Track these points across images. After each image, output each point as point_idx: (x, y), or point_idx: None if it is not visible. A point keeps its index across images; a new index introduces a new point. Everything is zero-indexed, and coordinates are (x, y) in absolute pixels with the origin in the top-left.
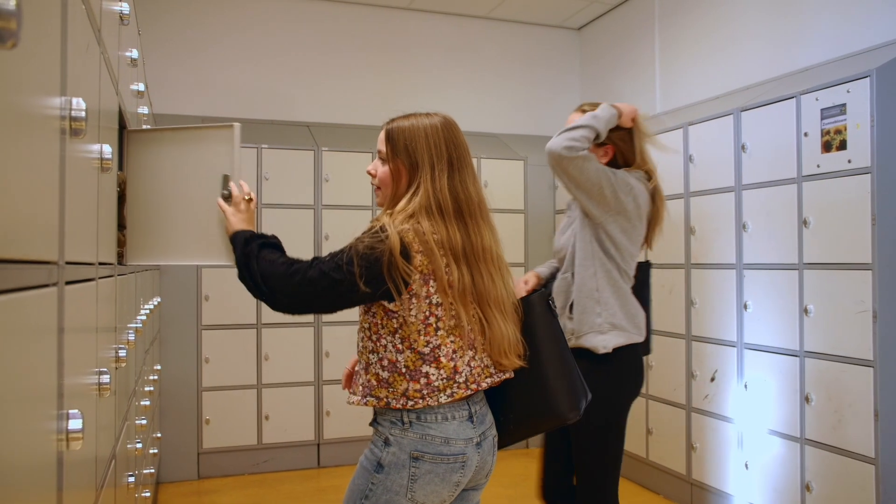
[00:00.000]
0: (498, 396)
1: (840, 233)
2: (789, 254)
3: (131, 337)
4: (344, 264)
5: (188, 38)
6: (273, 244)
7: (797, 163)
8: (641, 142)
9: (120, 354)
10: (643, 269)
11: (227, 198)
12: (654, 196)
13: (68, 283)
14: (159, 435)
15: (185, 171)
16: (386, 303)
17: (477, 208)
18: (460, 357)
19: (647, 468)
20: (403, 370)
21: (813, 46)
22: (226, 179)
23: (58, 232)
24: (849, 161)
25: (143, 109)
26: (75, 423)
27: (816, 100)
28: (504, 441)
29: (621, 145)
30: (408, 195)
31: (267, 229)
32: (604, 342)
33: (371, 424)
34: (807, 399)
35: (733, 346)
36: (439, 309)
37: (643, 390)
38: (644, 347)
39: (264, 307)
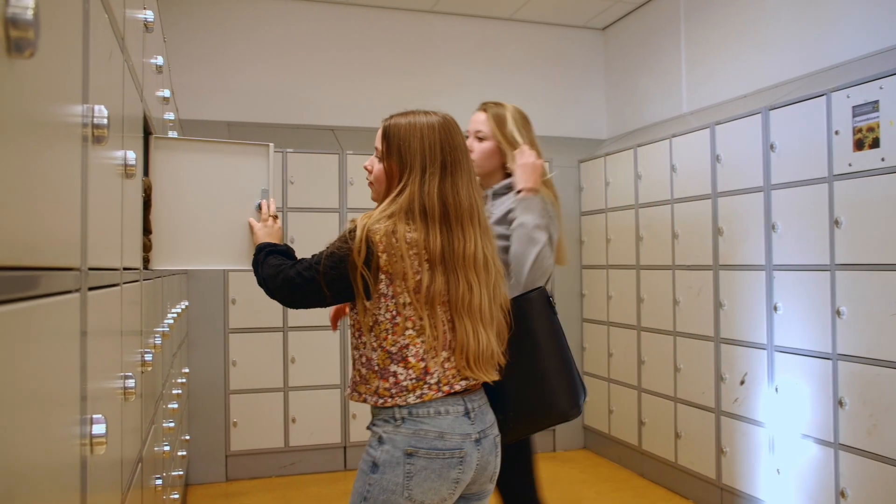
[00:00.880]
0: (497, 393)
1: (873, 233)
2: (821, 255)
3: (158, 341)
4: (313, 264)
5: (214, 44)
6: (281, 251)
7: (828, 162)
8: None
9: (146, 358)
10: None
11: (258, 208)
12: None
13: (91, 288)
14: (188, 437)
15: (212, 180)
16: (366, 300)
17: (467, 214)
18: (432, 358)
19: (676, 472)
20: (376, 368)
21: (843, 42)
22: (264, 193)
23: (80, 238)
24: (882, 159)
25: (170, 115)
26: (99, 428)
27: (848, 97)
28: (505, 439)
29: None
30: (392, 195)
31: (293, 233)
32: None
33: (368, 427)
34: (840, 403)
35: (763, 349)
36: (407, 308)
37: (671, 393)
38: None
39: (290, 311)
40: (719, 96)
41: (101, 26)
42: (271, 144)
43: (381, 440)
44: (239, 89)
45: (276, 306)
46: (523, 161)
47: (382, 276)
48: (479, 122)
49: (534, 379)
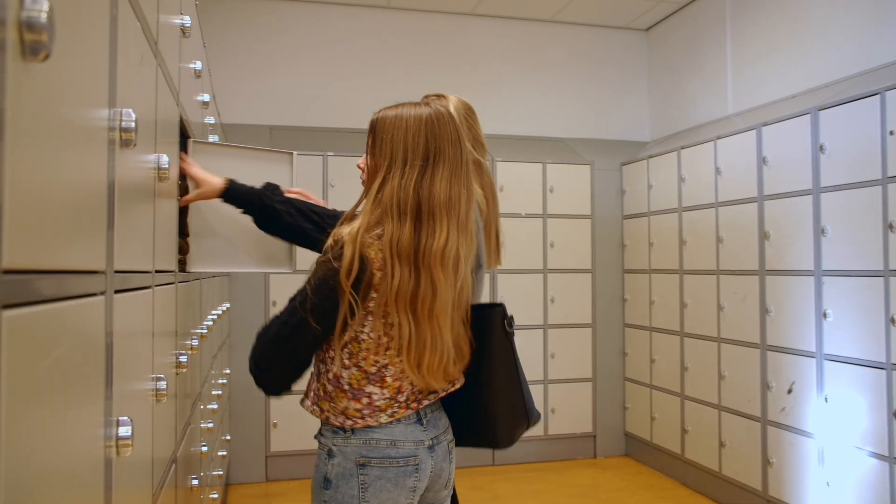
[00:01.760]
0: (447, 403)
1: None
2: (873, 260)
3: (195, 343)
4: (296, 306)
5: (256, 49)
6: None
7: (881, 163)
8: None
9: (181, 360)
10: None
11: None
12: None
13: (119, 291)
14: (228, 437)
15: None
16: (350, 318)
17: (442, 208)
18: (406, 378)
19: (720, 482)
20: (346, 387)
21: None
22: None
23: (105, 241)
24: None
25: (210, 119)
26: (125, 430)
27: None
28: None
29: None
30: (373, 192)
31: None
32: None
33: (315, 437)
34: (895, 415)
35: (812, 357)
36: (391, 328)
37: (715, 401)
38: None
39: None
40: (766, 97)
41: (130, 31)
42: (294, 153)
43: (330, 453)
44: (281, 93)
45: None
46: None
47: (374, 294)
48: None
49: (477, 401)
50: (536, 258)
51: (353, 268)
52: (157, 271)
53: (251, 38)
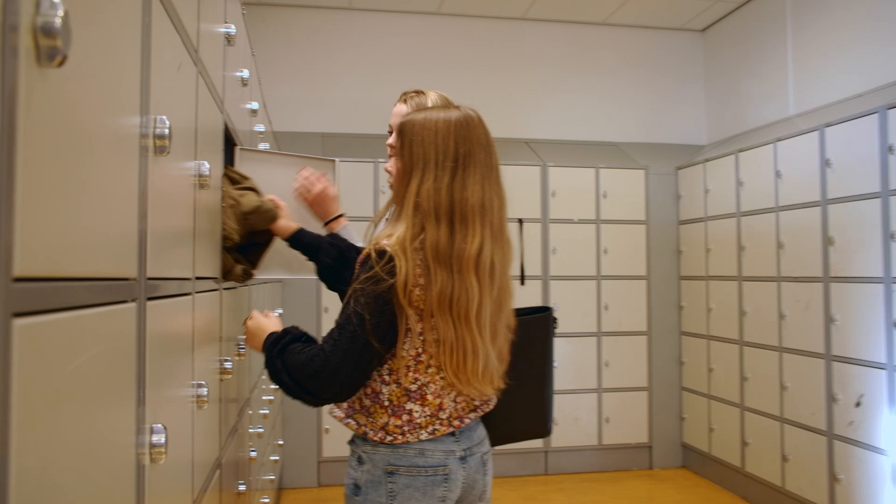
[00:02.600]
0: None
1: None
2: None
3: (242, 349)
4: (355, 326)
5: (307, 58)
6: (296, 337)
7: None
8: None
9: (225, 366)
10: None
11: None
12: None
13: (151, 298)
14: (282, 442)
15: (286, 192)
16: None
17: (476, 212)
18: (447, 394)
19: (784, 498)
20: (386, 403)
21: None
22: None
23: (137, 248)
24: None
25: (260, 127)
26: (158, 438)
27: None
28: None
29: None
30: (411, 197)
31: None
32: None
33: (348, 443)
34: None
35: (882, 369)
36: (434, 346)
37: (777, 413)
38: None
39: None
40: (830, 96)
41: (166, 39)
42: (337, 160)
43: (360, 460)
44: (333, 101)
45: None
46: None
47: (411, 311)
48: (399, 115)
49: (533, 398)
50: (589, 265)
51: (408, 282)
52: (197, 278)
53: (303, 46)
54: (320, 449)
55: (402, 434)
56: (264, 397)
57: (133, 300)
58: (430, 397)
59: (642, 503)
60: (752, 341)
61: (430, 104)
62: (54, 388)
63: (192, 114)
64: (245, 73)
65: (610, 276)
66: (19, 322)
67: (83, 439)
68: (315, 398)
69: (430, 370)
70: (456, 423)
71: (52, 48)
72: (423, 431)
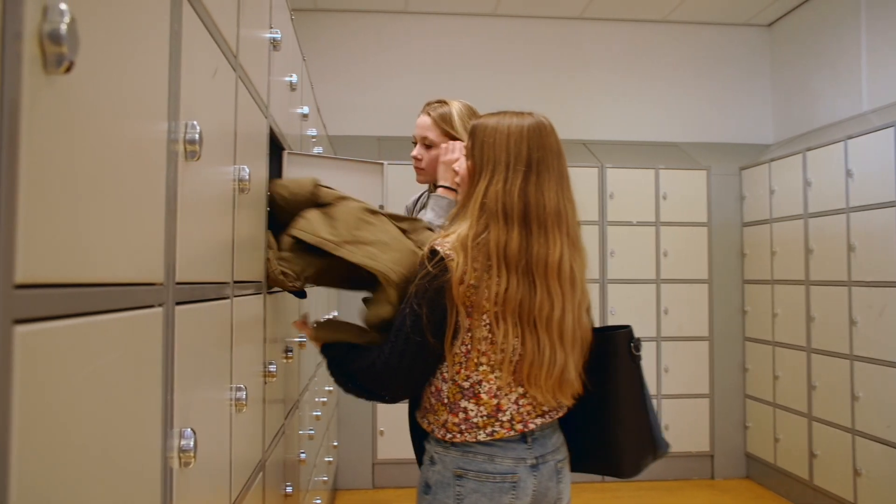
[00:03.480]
0: (567, 427)
1: None
2: None
3: (290, 351)
4: (409, 325)
5: (362, 61)
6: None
7: None
8: None
9: (270, 369)
10: None
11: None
12: None
13: (181, 303)
14: (336, 444)
15: None
16: None
17: (552, 218)
18: (505, 395)
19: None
20: (446, 401)
21: None
22: (381, 208)
23: (163, 253)
24: None
25: (311, 132)
26: (187, 443)
27: None
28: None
29: None
30: (478, 198)
31: None
32: None
33: (424, 442)
34: None
35: None
36: (483, 343)
37: (848, 424)
38: None
39: None
40: None
41: (199, 45)
42: (385, 163)
43: (432, 460)
44: (388, 104)
45: None
46: (445, 158)
47: (462, 308)
48: (424, 127)
49: (601, 428)
50: (649, 268)
51: (464, 279)
52: (236, 282)
53: (358, 50)
54: (375, 451)
55: (461, 433)
56: (316, 399)
57: (160, 305)
58: (484, 396)
59: None
60: (820, 348)
61: (454, 113)
62: (64, 394)
63: (230, 119)
64: (293, 78)
65: (670, 280)
66: (21, 329)
67: (100, 443)
68: (380, 398)
69: (481, 368)
70: (519, 426)
71: (58, 55)
72: (480, 432)
